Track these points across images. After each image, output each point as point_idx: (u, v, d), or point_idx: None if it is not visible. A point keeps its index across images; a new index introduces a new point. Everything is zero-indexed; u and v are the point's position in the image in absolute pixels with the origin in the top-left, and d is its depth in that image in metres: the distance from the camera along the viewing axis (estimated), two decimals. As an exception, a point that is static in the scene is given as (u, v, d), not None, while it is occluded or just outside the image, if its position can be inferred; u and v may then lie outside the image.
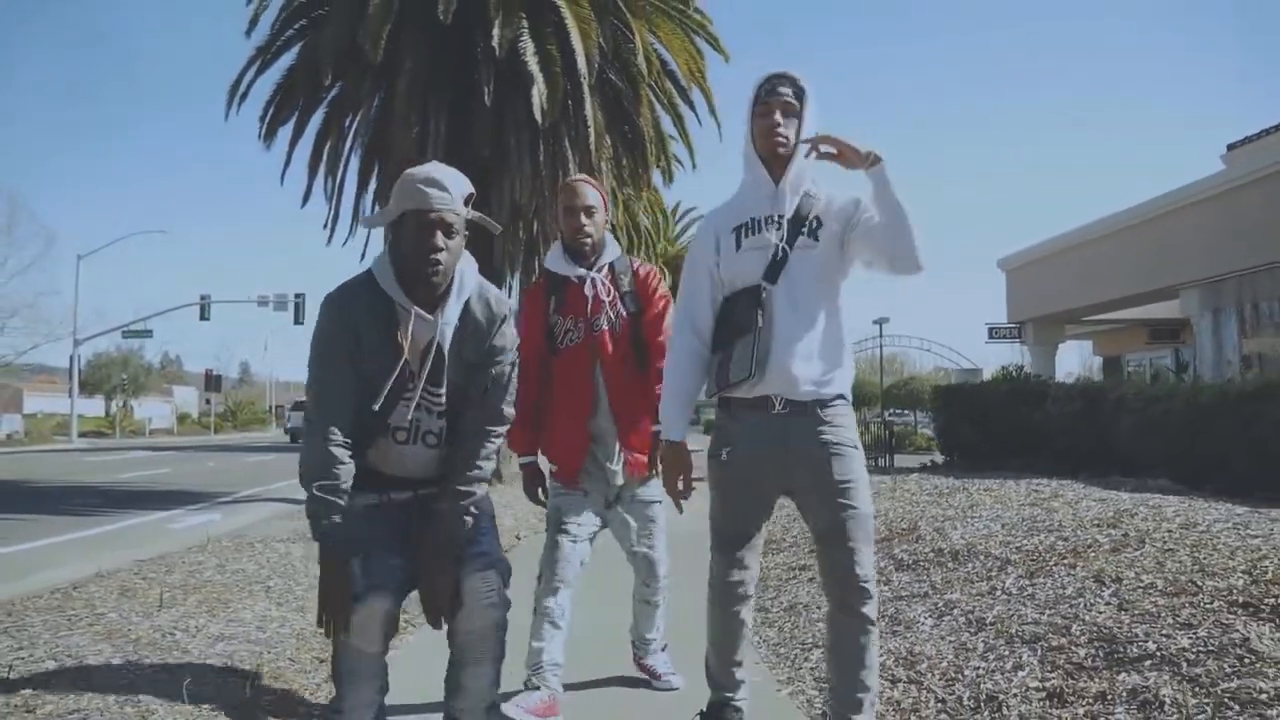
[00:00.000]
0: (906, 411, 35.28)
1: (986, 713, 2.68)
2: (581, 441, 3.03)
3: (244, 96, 12.45)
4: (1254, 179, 11.99)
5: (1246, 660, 2.55)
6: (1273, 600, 2.89)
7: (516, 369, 2.39)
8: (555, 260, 3.16)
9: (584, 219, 3.06)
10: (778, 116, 2.29)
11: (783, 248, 2.29)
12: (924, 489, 6.83)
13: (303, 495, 8.34)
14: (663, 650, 3.33)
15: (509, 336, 2.35)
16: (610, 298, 3.08)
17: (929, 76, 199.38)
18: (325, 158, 12.69)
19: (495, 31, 10.59)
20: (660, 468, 2.58)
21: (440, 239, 2.18)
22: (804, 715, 2.98)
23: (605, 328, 3.06)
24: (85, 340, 37.69)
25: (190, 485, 13.52)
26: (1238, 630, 2.72)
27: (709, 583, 2.48)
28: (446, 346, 2.28)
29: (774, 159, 2.34)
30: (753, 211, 2.35)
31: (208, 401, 60.49)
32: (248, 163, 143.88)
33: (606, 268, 3.12)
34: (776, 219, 2.32)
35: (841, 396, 2.34)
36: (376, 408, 2.24)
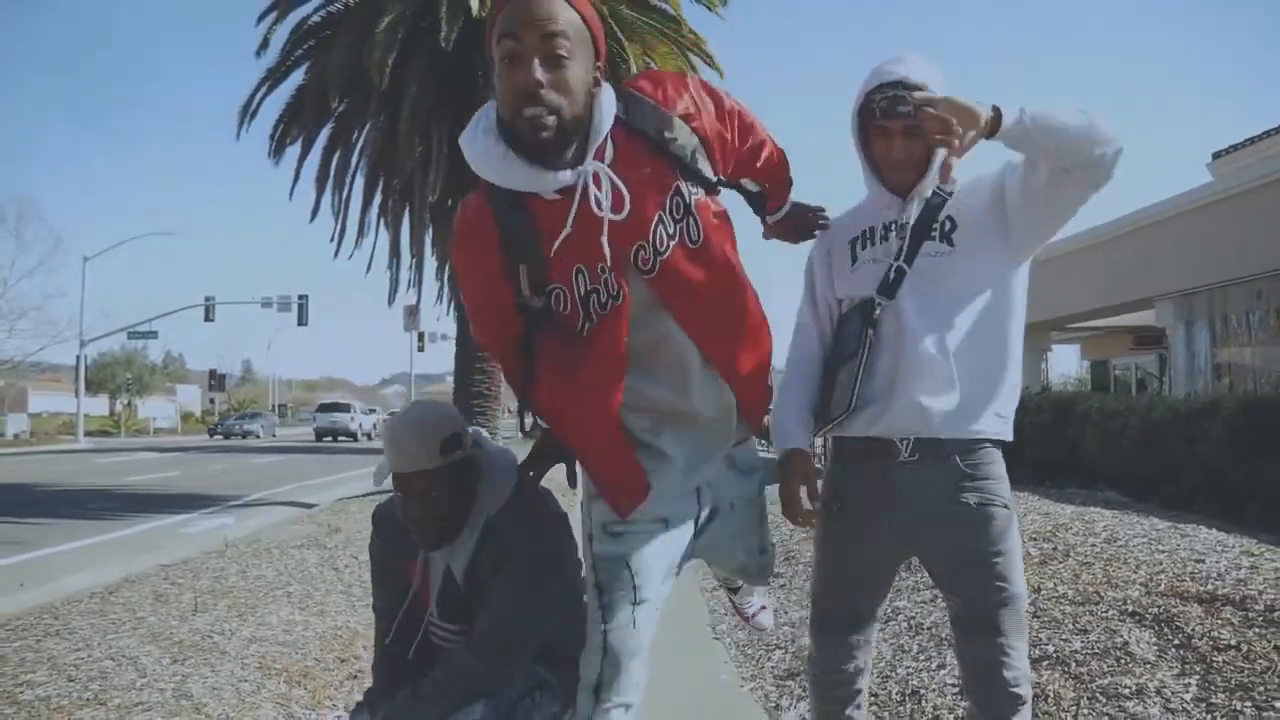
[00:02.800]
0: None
1: (910, 704, 3.17)
2: (624, 449, 1.75)
3: (254, 115, 12.98)
4: (1227, 196, 12.46)
5: (1122, 661, 3.04)
6: (1156, 610, 3.37)
7: (538, 593, 1.92)
8: (491, 159, 1.58)
9: (537, 70, 1.51)
10: (898, 145, 1.86)
11: (900, 261, 1.89)
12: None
13: (311, 498, 9.05)
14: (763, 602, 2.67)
15: (526, 545, 1.95)
16: (653, 179, 1.64)
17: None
18: (332, 174, 13.19)
19: (494, 58, 11.10)
20: (780, 481, 1.87)
21: (415, 505, 1.93)
22: (763, 710, 3.46)
23: (672, 245, 1.64)
24: (91, 341, 38.18)
25: (200, 488, 13.96)
26: (1122, 636, 3.21)
27: (809, 674, 2.07)
28: (460, 577, 2.01)
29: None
30: (871, 219, 1.97)
31: (211, 401, 61.08)
32: (254, 166, 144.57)
33: (608, 141, 1.61)
34: (897, 226, 1.92)
35: (992, 441, 1.88)
36: (388, 640, 2.12)
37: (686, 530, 1.86)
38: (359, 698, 3.55)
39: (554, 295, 1.65)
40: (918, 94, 1.74)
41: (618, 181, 1.59)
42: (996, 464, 1.88)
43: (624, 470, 1.76)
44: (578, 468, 1.94)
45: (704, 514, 1.89)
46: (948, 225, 1.90)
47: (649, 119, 1.66)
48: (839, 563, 1.97)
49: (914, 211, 1.91)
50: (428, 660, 2.10)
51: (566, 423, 1.82)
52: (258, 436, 43.77)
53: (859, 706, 2.01)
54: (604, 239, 1.59)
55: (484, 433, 2.17)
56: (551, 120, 1.52)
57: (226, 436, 44.29)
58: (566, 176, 1.57)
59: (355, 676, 3.74)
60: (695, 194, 1.68)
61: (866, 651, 2.01)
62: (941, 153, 1.74)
